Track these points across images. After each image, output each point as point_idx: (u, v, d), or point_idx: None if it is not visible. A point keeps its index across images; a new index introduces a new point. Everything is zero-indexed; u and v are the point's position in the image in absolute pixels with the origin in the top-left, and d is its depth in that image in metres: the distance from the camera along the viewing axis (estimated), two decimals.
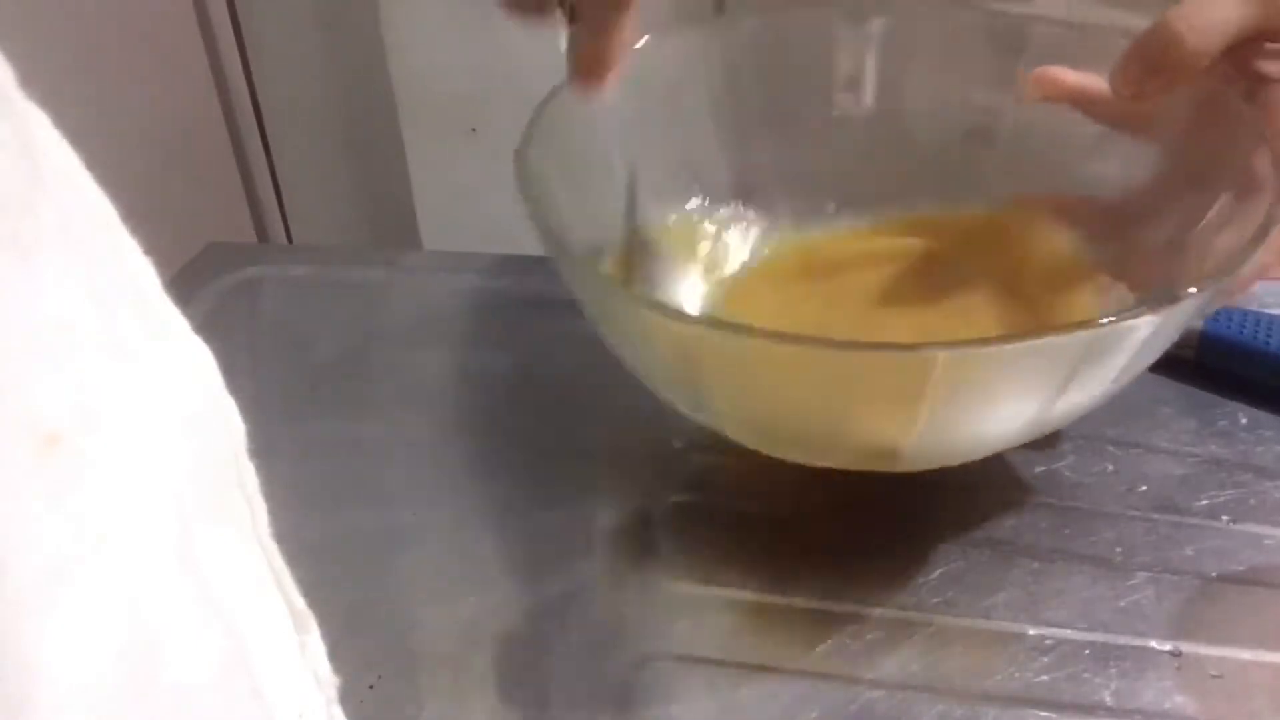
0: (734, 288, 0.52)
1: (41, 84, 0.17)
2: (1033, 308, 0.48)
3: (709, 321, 0.39)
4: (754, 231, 0.54)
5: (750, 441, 0.44)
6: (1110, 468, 0.48)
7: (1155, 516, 0.46)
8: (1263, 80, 0.42)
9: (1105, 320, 0.35)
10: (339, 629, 0.22)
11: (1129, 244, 0.47)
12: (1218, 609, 0.43)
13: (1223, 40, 0.39)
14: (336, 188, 1.49)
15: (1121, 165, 0.48)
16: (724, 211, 0.53)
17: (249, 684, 0.19)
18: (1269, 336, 0.49)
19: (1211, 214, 0.42)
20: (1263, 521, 0.45)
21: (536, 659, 0.42)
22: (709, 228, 0.53)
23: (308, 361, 0.60)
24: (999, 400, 0.39)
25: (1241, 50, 0.41)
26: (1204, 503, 0.46)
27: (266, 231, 1.46)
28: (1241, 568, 0.44)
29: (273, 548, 0.20)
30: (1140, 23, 0.52)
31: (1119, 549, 0.45)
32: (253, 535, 0.20)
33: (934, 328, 0.48)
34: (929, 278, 0.51)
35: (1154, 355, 0.40)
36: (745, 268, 0.53)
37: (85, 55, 1.09)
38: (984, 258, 0.50)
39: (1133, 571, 0.44)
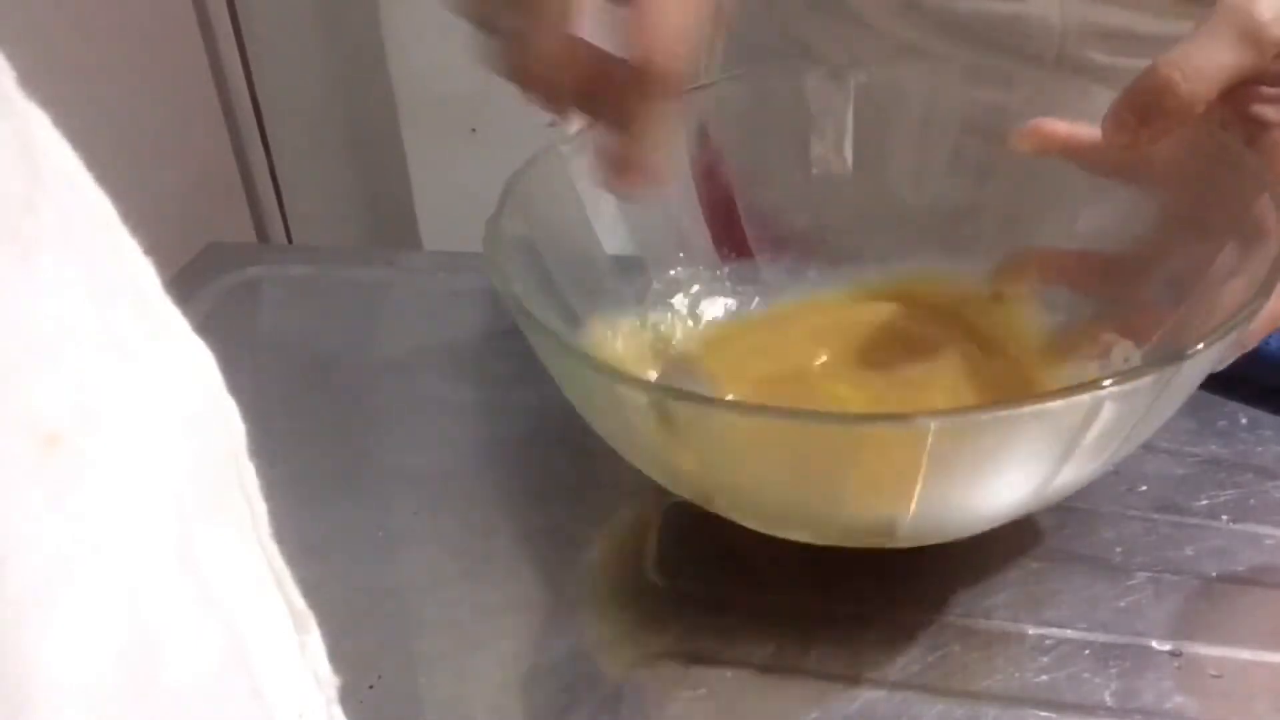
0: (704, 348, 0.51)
1: (42, 84, 0.17)
2: (1017, 380, 0.47)
3: (677, 394, 0.36)
4: (733, 297, 0.53)
5: (745, 520, 0.42)
6: (1110, 468, 0.48)
7: (1155, 516, 0.46)
8: (1261, 125, 0.41)
9: (1109, 383, 0.33)
10: (339, 629, 0.22)
11: (1129, 297, 0.45)
12: (1218, 609, 0.43)
13: (1217, 85, 0.38)
14: (336, 188, 1.49)
15: (1117, 216, 0.46)
16: (705, 274, 0.52)
17: (249, 684, 0.19)
18: (1269, 337, 0.49)
19: (1216, 264, 0.41)
20: (1263, 521, 0.45)
21: (536, 659, 0.42)
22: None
23: (308, 361, 0.60)
24: (998, 471, 0.37)
25: (1237, 95, 0.40)
26: (1204, 503, 0.46)
27: (266, 231, 1.46)
28: (1241, 568, 0.44)
29: (273, 548, 0.20)
30: (1131, 24, 0.52)
31: (1119, 549, 0.45)
32: (253, 535, 0.20)
33: (910, 399, 0.46)
34: (905, 349, 0.49)
35: (1165, 415, 0.38)
36: (713, 329, 0.52)
37: (86, 56, 1.10)
38: (962, 330, 0.49)
39: (1133, 571, 0.44)
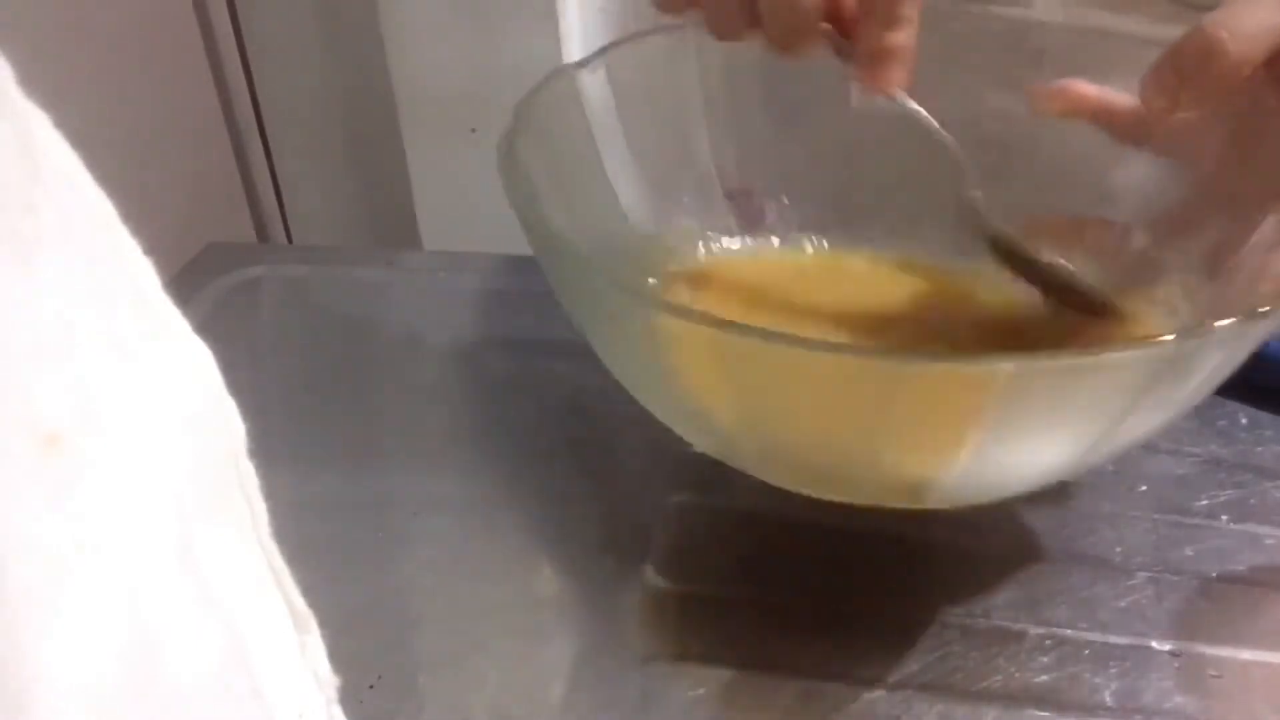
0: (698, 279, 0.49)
1: (41, 84, 0.17)
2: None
3: (734, 326, 0.33)
4: (743, 240, 0.51)
5: (760, 470, 0.41)
6: (1110, 468, 0.48)
7: (1155, 516, 0.46)
8: None
9: (1181, 333, 0.32)
10: (339, 629, 0.22)
11: (1155, 268, 0.44)
12: (1218, 609, 0.43)
13: (1266, 48, 0.36)
14: (336, 187, 1.49)
15: (1146, 184, 0.45)
16: (714, 214, 0.51)
17: (249, 684, 0.19)
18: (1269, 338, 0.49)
19: (1256, 237, 0.40)
20: (1263, 521, 0.45)
21: (536, 659, 0.42)
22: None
23: (308, 361, 0.60)
24: (1056, 427, 0.35)
25: (1278, 62, 0.38)
26: (1204, 503, 0.46)
27: (266, 231, 1.46)
28: (1241, 567, 0.44)
29: (273, 548, 0.20)
30: (1134, 27, 0.52)
31: (1119, 549, 0.45)
32: (253, 535, 0.20)
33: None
34: (912, 311, 0.47)
35: (1215, 384, 0.37)
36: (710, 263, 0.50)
37: (85, 55, 1.09)
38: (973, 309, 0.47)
39: (1133, 571, 0.44)
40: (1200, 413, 0.50)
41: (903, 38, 0.38)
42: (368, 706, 0.40)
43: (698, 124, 0.50)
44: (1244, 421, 0.50)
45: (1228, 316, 0.32)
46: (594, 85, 0.46)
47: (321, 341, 0.61)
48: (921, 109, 0.43)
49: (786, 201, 0.52)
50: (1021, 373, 0.31)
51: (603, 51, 0.46)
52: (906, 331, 0.47)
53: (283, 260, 0.69)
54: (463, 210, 1.20)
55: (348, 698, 0.22)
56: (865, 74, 0.39)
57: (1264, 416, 0.50)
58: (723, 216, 0.51)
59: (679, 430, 0.41)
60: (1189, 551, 0.44)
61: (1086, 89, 0.43)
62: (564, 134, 0.45)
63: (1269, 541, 0.44)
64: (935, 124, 0.43)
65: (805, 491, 0.40)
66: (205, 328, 0.19)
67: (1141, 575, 0.43)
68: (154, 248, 0.19)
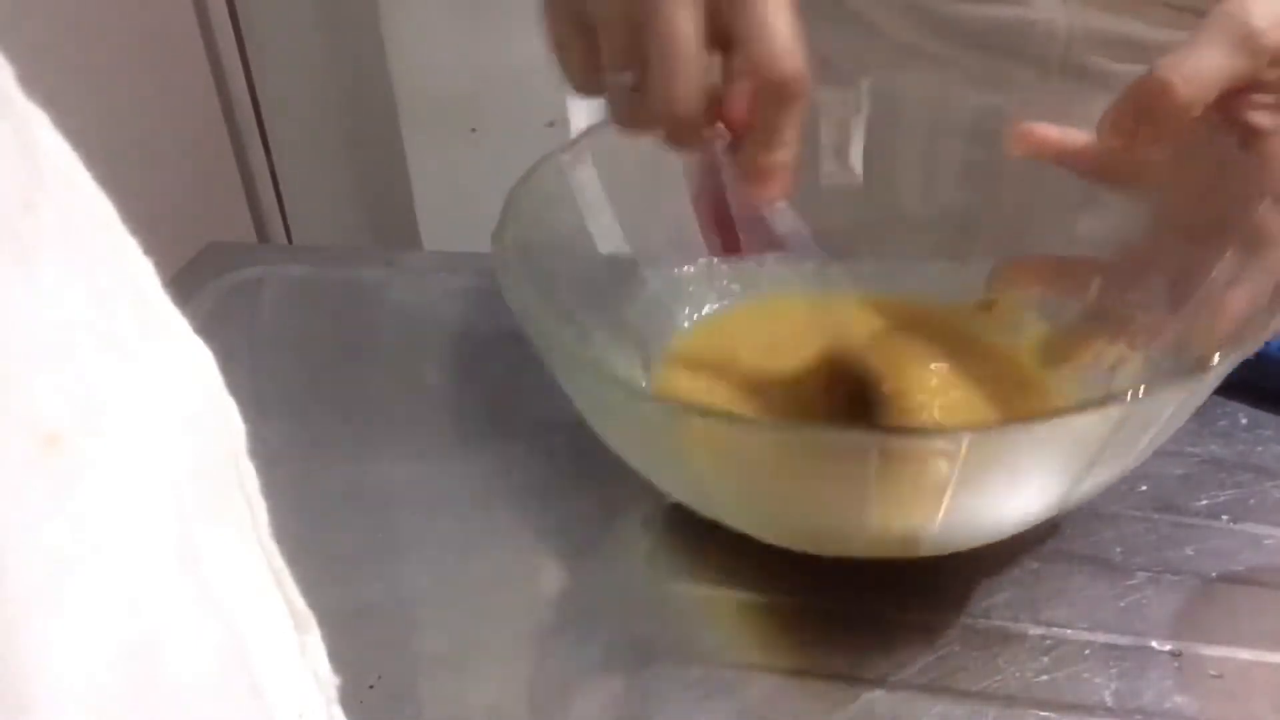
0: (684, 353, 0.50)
1: (42, 84, 0.17)
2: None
3: (700, 409, 0.38)
4: (728, 296, 0.52)
5: (768, 537, 0.42)
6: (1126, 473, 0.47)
7: (1155, 516, 0.46)
8: (1255, 131, 0.41)
9: (1137, 393, 0.34)
10: (339, 629, 0.22)
11: (1124, 304, 0.45)
12: (1218, 609, 0.43)
13: (1213, 91, 0.38)
14: (336, 187, 1.49)
15: (1113, 223, 0.46)
16: (699, 274, 0.52)
17: (249, 684, 0.19)
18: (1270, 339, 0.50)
19: (1217, 270, 0.41)
20: (1262, 521, 0.45)
21: (536, 659, 0.42)
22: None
23: (308, 361, 0.60)
24: (1027, 480, 0.38)
25: (1231, 101, 0.40)
26: (1204, 502, 0.46)
27: (266, 231, 1.46)
28: (1241, 567, 0.44)
29: (273, 548, 0.20)
30: (1134, 30, 0.52)
31: (1119, 549, 0.45)
32: (253, 535, 0.20)
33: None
34: (899, 351, 0.49)
35: (1177, 425, 0.39)
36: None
37: (85, 55, 1.10)
38: (954, 334, 0.49)
39: (1133, 571, 0.44)
40: (1200, 413, 0.50)
41: (780, 156, 0.39)
42: (368, 706, 0.40)
43: (682, 195, 0.51)
44: (1244, 422, 0.50)
45: (1191, 353, 0.36)
46: (579, 169, 0.47)
47: (321, 341, 0.61)
48: (800, 224, 0.44)
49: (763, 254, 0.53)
50: (981, 441, 0.34)
51: (586, 134, 0.48)
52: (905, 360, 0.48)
53: (283, 260, 0.69)
54: (462, 210, 1.20)
55: (348, 698, 0.22)
56: (745, 186, 0.40)
57: (1264, 416, 0.50)
58: (716, 276, 0.53)
59: (681, 499, 0.43)
60: (1189, 551, 0.44)
61: (1049, 131, 0.45)
62: (555, 219, 0.47)
63: (1269, 541, 0.44)
64: (810, 241, 0.45)
65: (803, 549, 0.42)
66: (205, 327, 0.19)
67: (1141, 575, 0.43)
68: (154, 247, 0.19)
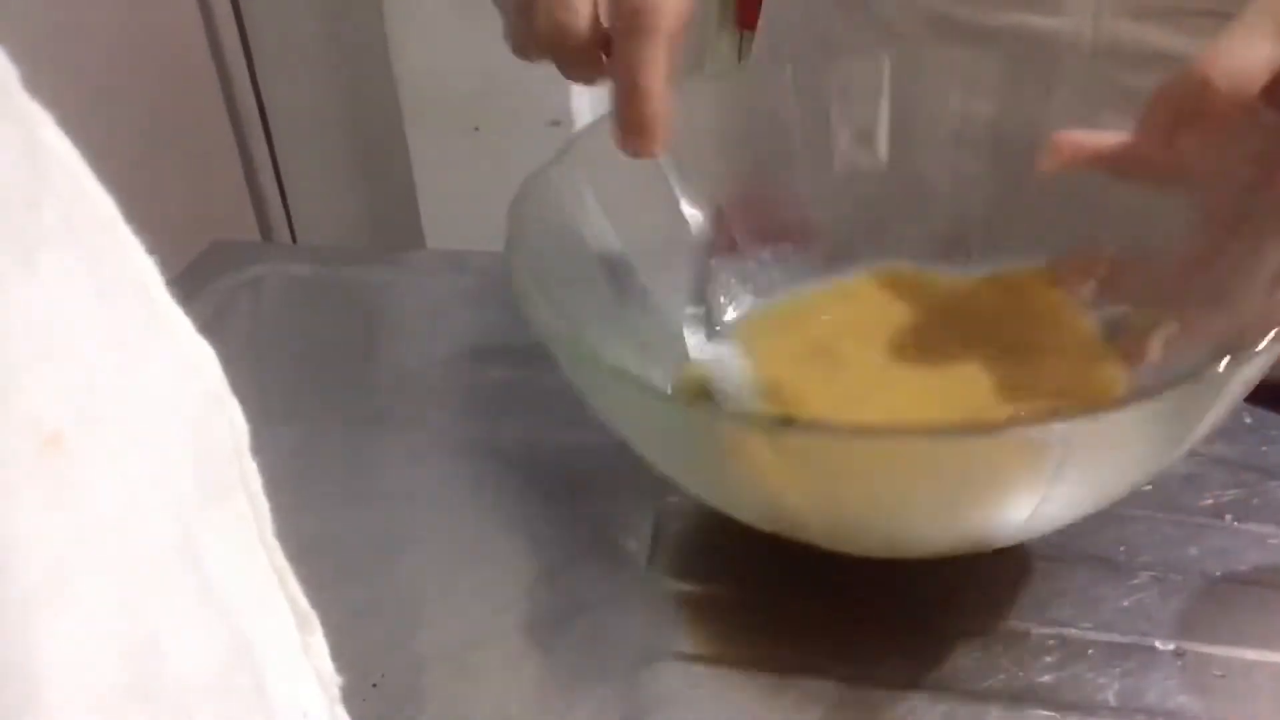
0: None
1: (45, 83, 0.17)
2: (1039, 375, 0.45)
3: (798, 424, 0.36)
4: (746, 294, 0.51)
5: (841, 545, 0.41)
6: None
7: (1159, 516, 0.46)
8: None
9: (1224, 364, 0.33)
10: (342, 628, 0.22)
11: (1171, 302, 0.44)
12: (1222, 609, 0.42)
13: (1257, 82, 0.37)
14: (340, 187, 1.49)
15: (1157, 221, 0.45)
16: (716, 273, 0.51)
17: (252, 683, 0.19)
18: None
19: (1267, 266, 0.40)
20: (1267, 521, 0.45)
21: (538, 658, 0.42)
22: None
23: (311, 360, 0.60)
24: (1116, 465, 0.37)
25: (1274, 90, 0.38)
26: (1208, 502, 0.46)
27: (270, 230, 1.47)
28: (1245, 567, 0.43)
29: (275, 547, 0.20)
30: (1164, 43, 0.51)
31: (1123, 548, 0.45)
32: (255, 534, 0.20)
33: (953, 378, 0.45)
34: (929, 332, 0.48)
35: (1229, 409, 0.39)
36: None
37: (90, 55, 1.10)
38: (987, 325, 0.48)
39: (1136, 571, 0.44)
40: None
41: (646, 107, 0.37)
42: (370, 705, 0.40)
43: (670, 195, 0.50)
44: (1248, 421, 0.50)
45: (1240, 348, 0.34)
46: (568, 180, 0.46)
47: (324, 340, 0.61)
48: (674, 184, 0.44)
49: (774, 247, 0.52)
50: (1073, 430, 0.33)
51: (569, 146, 0.47)
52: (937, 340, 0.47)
53: (286, 259, 0.69)
54: (466, 209, 1.20)
55: (350, 697, 0.22)
56: (617, 139, 0.39)
57: (1269, 416, 0.50)
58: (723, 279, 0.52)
59: (738, 515, 0.42)
60: (1193, 551, 0.44)
61: (1083, 138, 0.43)
62: (555, 235, 0.46)
63: (1273, 541, 0.44)
64: (680, 200, 0.44)
65: (884, 555, 0.42)
66: (208, 326, 0.19)
67: (1145, 575, 0.43)
68: (157, 246, 0.19)
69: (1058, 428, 0.33)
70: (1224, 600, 0.43)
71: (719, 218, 0.52)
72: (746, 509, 0.42)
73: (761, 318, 0.51)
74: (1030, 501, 0.36)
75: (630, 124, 0.38)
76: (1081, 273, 0.48)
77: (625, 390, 0.37)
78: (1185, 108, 0.38)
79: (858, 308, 0.50)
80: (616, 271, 0.49)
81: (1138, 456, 0.38)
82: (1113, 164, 0.43)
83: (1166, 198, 0.44)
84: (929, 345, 0.47)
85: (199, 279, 0.64)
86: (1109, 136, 0.42)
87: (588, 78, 0.39)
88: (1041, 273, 0.48)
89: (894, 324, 0.48)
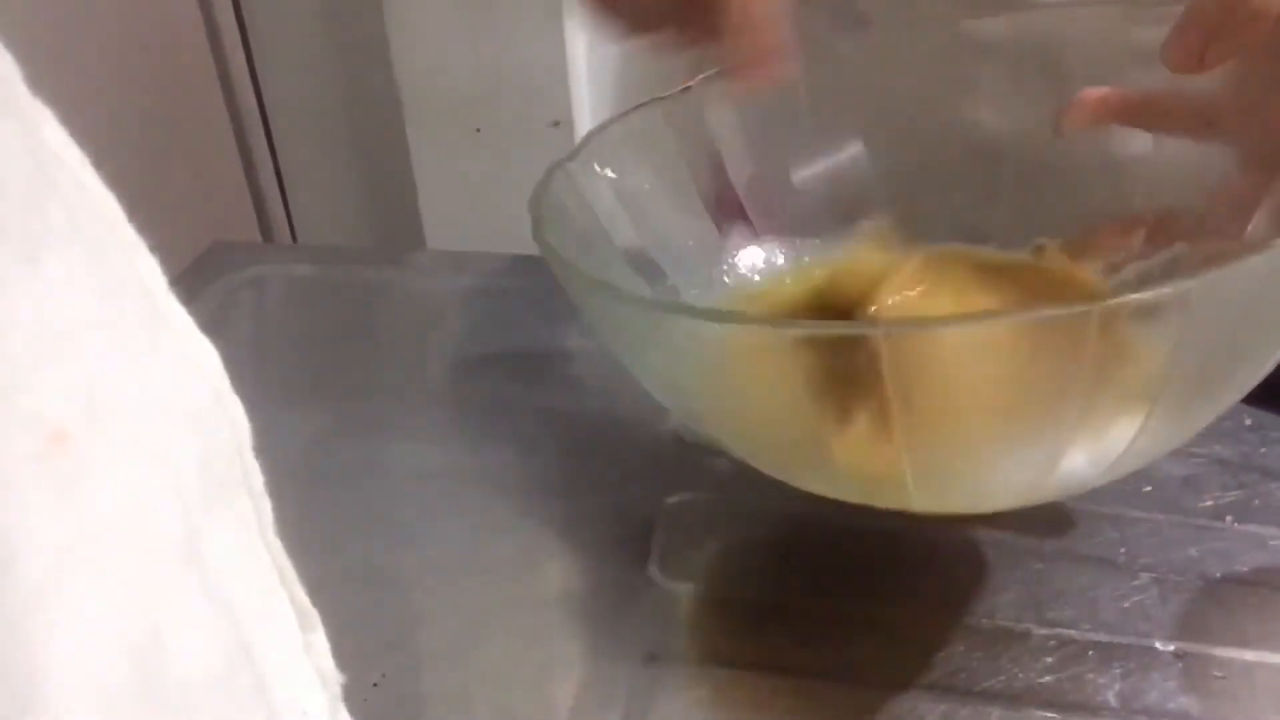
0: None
1: (47, 82, 0.17)
2: None
3: (896, 323, 0.33)
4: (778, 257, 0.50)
5: (928, 505, 0.39)
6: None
7: (1159, 517, 0.46)
8: None
9: None
10: (343, 627, 0.22)
11: (1224, 235, 0.42)
12: (1222, 610, 0.42)
13: None
14: (341, 187, 1.49)
15: (1193, 168, 0.43)
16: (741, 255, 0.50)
17: (254, 681, 0.19)
18: None
19: None
20: (1267, 522, 0.45)
21: (539, 658, 0.42)
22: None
23: (312, 360, 0.60)
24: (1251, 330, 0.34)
25: None
26: (1208, 503, 0.46)
27: (271, 230, 1.47)
28: (1245, 569, 0.44)
29: (278, 545, 0.20)
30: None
31: (1123, 549, 0.45)
32: (258, 533, 0.20)
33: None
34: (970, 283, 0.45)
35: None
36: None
37: (91, 54, 1.10)
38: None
39: (1137, 572, 0.44)
40: None
41: (762, 40, 0.37)
42: (371, 704, 0.40)
43: (689, 189, 0.50)
44: (1248, 423, 0.50)
45: None
46: (586, 175, 0.46)
47: (326, 340, 0.61)
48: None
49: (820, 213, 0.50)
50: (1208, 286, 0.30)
51: (586, 141, 0.46)
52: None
53: (287, 259, 0.69)
54: (467, 209, 1.20)
55: (352, 695, 0.22)
56: (739, 76, 0.39)
57: (1269, 418, 0.50)
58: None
59: (784, 474, 0.40)
60: (1193, 552, 0.44)
61: (1105, 93, 0.42)
62: (574, 226, 0.45)
63: (1273, 543, 0.44)
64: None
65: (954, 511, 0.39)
66: (210, 326, 0.19)
67: (1145, 576, 0.43)
68: (159, 245, 0.19)
69: (1181, 286, 0.29)
70: (1224, 601, 0.43)
71: (735, 207, 0.52)
72: (826, 476, 0.39)
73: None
74: (1143, 406, 0.33)
75: (751, 62, 0.38)
76: (1121, 234, 0.45)
77: (692, 325, 0.35)
78: (1213, 22, 0.36)
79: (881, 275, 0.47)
80: (644, 272, 0.48)
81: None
82: (1141, 117, 0.41)
83: (1197, 152, 0.42)
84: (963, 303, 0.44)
85: (201, 278, 0.64)
86: (1131, 90, 0.41)
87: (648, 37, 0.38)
88: (1071, 243, 0.46)
89: (927, 288, 0.45)
